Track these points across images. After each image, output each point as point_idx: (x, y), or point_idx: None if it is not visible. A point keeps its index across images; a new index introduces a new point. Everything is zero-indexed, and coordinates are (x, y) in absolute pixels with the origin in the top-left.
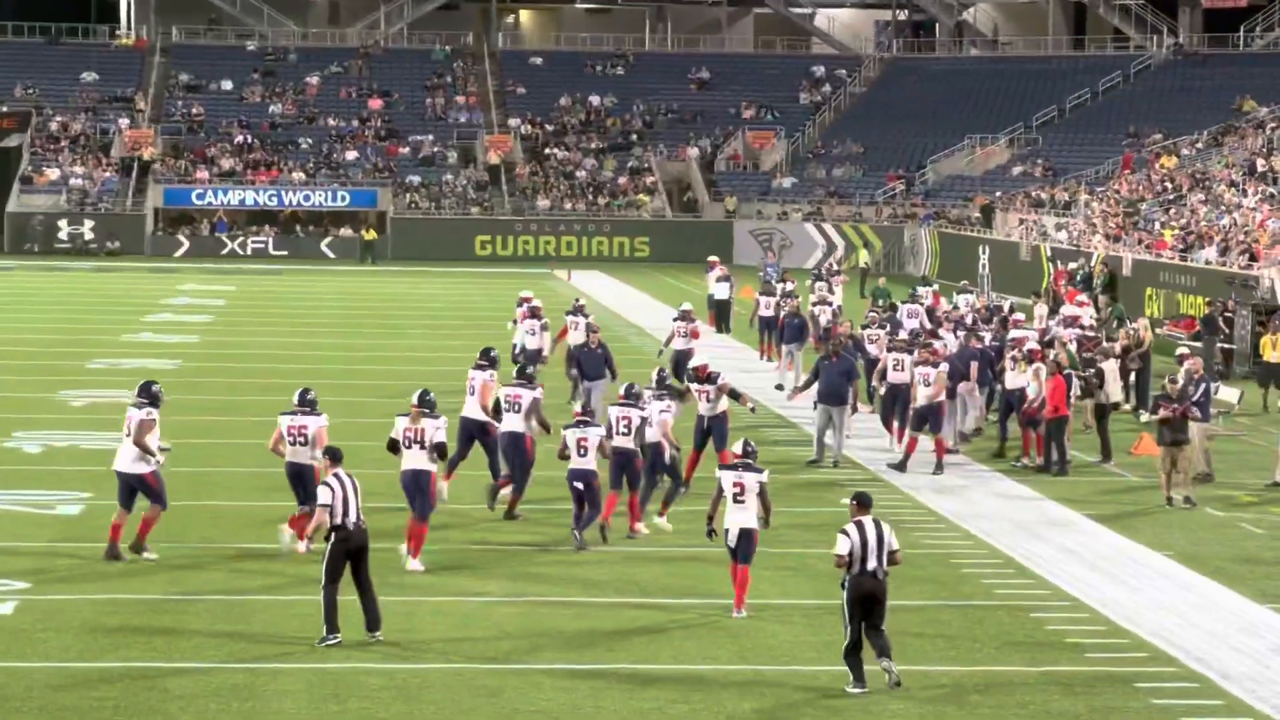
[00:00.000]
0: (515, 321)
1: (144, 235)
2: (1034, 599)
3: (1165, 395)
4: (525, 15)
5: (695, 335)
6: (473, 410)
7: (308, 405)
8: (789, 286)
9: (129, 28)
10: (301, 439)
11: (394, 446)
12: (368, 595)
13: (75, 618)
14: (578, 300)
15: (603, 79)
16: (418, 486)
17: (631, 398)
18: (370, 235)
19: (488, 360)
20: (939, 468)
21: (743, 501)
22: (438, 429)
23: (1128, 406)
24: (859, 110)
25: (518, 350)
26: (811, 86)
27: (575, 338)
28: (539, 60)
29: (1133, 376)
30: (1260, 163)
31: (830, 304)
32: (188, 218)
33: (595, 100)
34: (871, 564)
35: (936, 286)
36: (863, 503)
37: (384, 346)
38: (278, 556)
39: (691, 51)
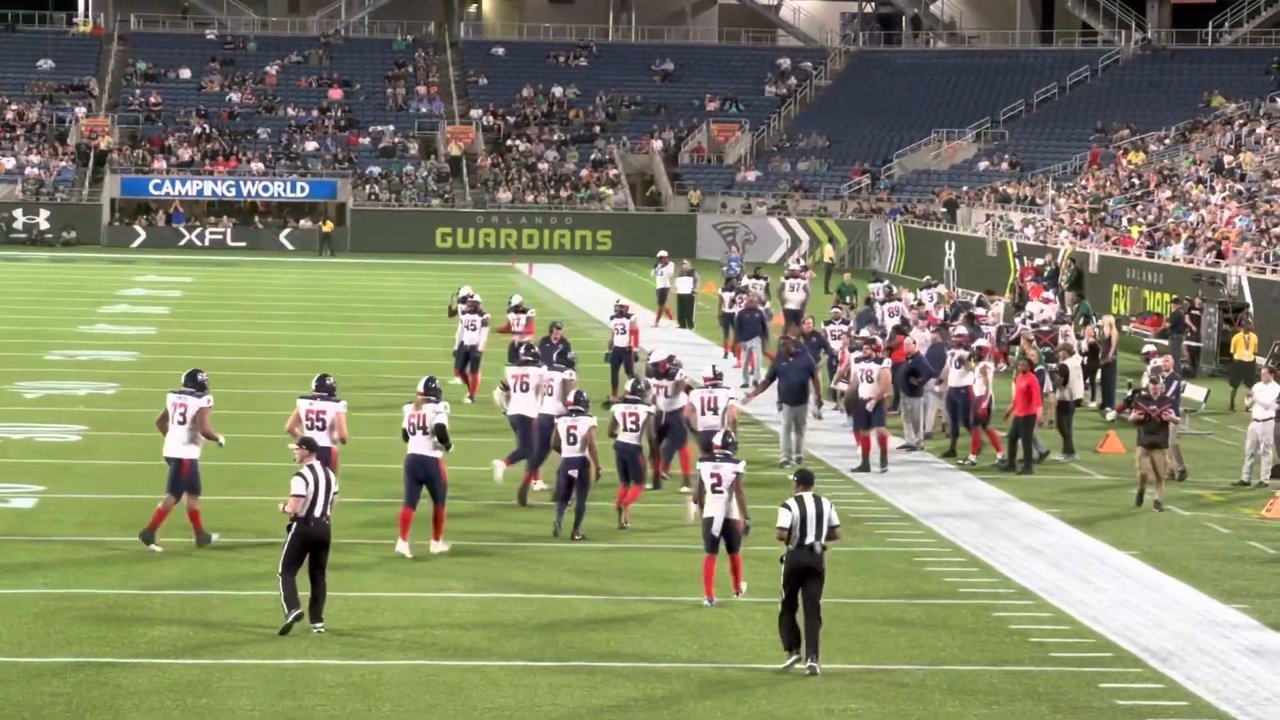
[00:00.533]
0: (451, 311)
1: (100, 225)
2: (998, 598)
3: (1145, 396)
4: (487, 5)
5: (635, 334)
6: (552, 407)
7: (326, 390)
8: (749, 282)
9: (86, 15)
10: (320, 423)
11: (406, 435)
12: (318, 588)
13: (28, 612)
14: (514, 296)
15: (566, 70)
16: (425, 471)
17: (637, 394)
18: (328, 227)
19: (565, 363)
20: (884, 463)
21: (721, 492)
22: (438, 413)
23: (1093, 405)
24: (824, 103)
25: (457, 346)
26: (777, 79)
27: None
28: (501, 50)
29: (1099, 374)
30: (1228, 159)
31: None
32: (145, 208)
33: (558, 91)
34: (810, 538)
35: (887, 283)
36: (803, 479)
37: (343, 339)
38: (235, 549)
39: (655, 43)
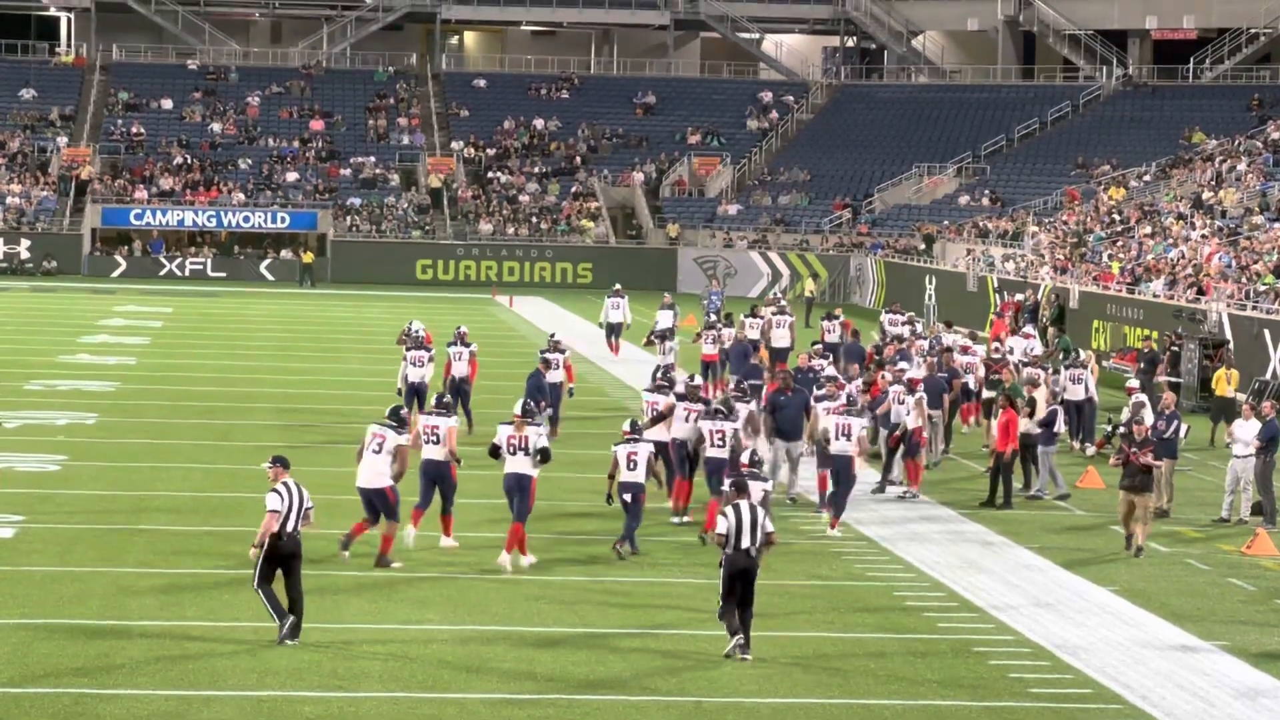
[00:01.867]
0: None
1: (81, 255)
2: (977, 634)
3: (1128, 437)
4: (469, 37)
5: (569, 369)
6: (679, 431)
7: (444, 408)
8: (714, 320)
9: (69, 45)
10: (435, 438)
11: (495, 452)
12: (296, 602)
13: (6, 643)
14: (460, 328)
15: (547, 102)
16: (520, 489)
17: (636, 432)
18: (309, 258)
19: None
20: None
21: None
22: (540, 435)
23: (1075, 444)
24: (806, 137)
25: (402, 383)
26: (758, 112)
27: (458, 369)
28: (483, 82)
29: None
30: (1208, 195)
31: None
32: (125, 238)
33: (539, 123)
34: (745, 542)
35: (842, 317)
36: (740, 488)
37: (322, 370)
38: (213, 580)
39: (637, 75)
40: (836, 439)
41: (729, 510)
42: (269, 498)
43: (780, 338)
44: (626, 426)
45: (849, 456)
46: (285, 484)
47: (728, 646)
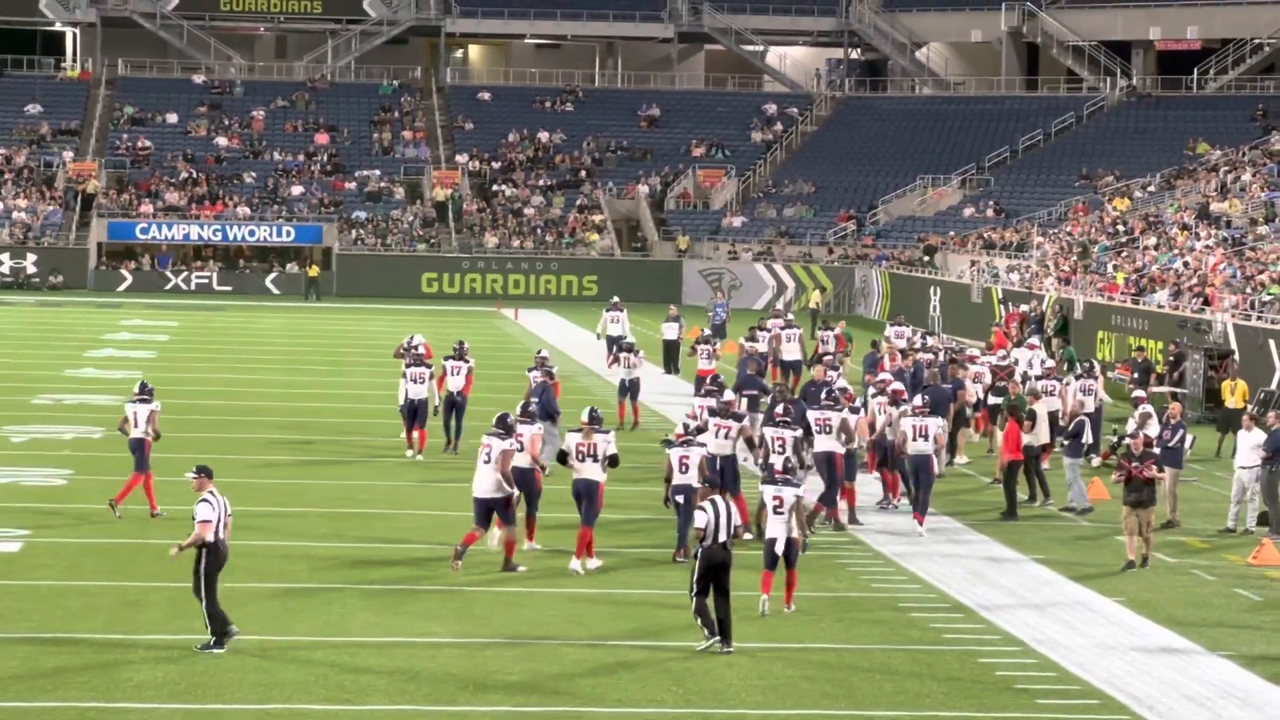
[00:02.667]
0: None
1: (87, 269)
2: (983, 644)
3: (1127, 451)
4: (474, 50)
5: (555, 386)
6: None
7: (529, 416)
8: (709, 334)
9: (74, 60)
10: (518, 446)
11: (563, 458)
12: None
13: (13, 657)
14: (461, 343)
15: (552, 115)
16: (588, 494)
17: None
18: (314, 271)
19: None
20: (852, 517)
21: (782, 513)
22: (609, 442)
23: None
24: (810, 149)
25: (403, 400)
26: (763, 125)
27: (453, 383)
28: (487, 95)
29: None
30: (1213, 206)
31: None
32: (131, 252)
33: (544, 136)
34: (722, 536)
35: (838, 330)
36: (712, 484)
37: (328, 384)
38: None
39: (642, 88)
40: (915, 440)
41: (707, 506)
42: (199, 508)
43: (790, 351)
44: (585, 417)
45: (926, 456)
46: (212, 493)
47: (703, 644)
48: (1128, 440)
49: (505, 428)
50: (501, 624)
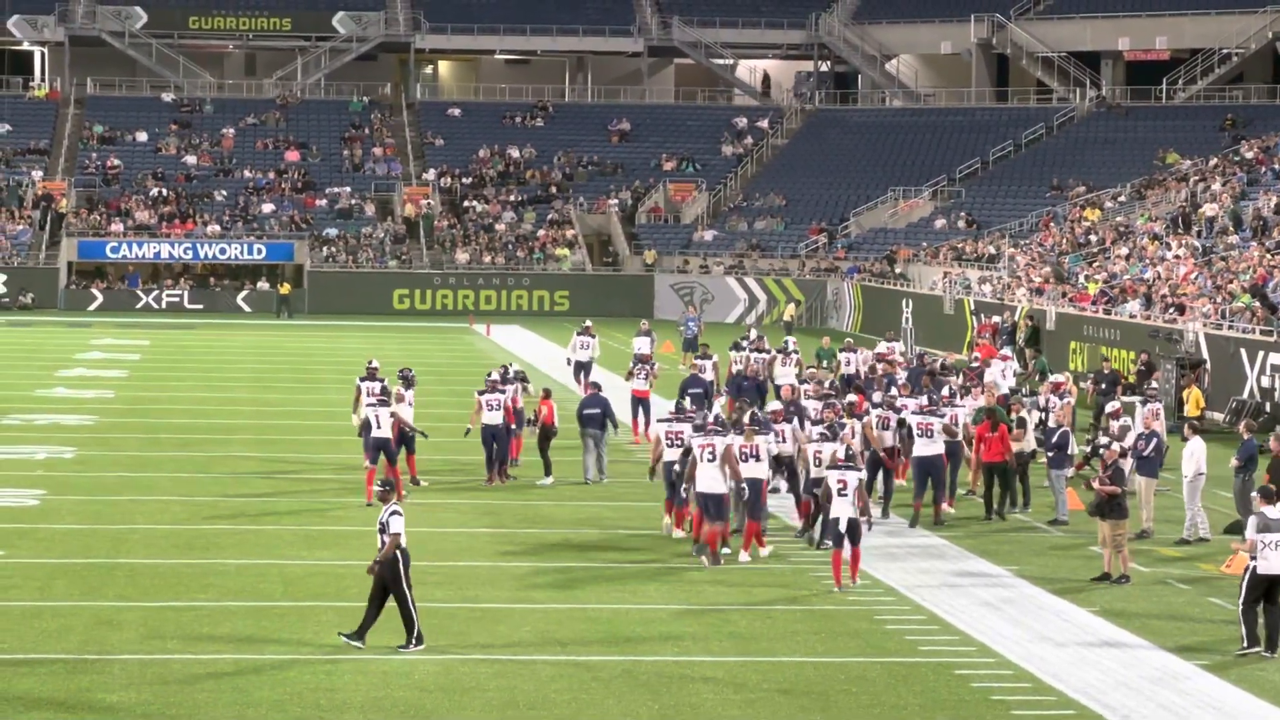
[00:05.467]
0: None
1: (57, 289)
2: (958, 655)
3: (1099, 459)
4: (444, 66)
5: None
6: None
7: (756, 424)
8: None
9: (43, 79)
10: (678, 442)
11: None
12: None
13: None
14: (510, 366)
15: (522, 130)
16: (753, 491)
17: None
18: (286, 289)
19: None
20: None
21: (845, 495)
22: (769, 443)
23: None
24: (781, 162)
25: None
26: (733, 138)
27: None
28: (457, 111)
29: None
30: (1198, 210)
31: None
32: (102, 271)
33: (514, 152)
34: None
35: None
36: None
37: (300, 401)
38: (194, 611)
39: (612, 103)
40: (920, 437)
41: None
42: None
43: (785, 375)
44: (748, 420)
45: (934, 454)
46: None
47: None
48: (1102, 451)
49: (721, 425)
50: (477, 640)
